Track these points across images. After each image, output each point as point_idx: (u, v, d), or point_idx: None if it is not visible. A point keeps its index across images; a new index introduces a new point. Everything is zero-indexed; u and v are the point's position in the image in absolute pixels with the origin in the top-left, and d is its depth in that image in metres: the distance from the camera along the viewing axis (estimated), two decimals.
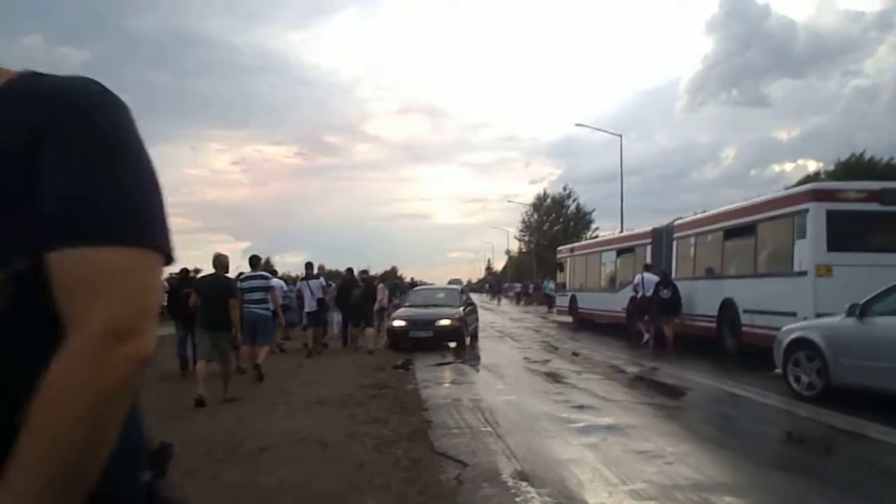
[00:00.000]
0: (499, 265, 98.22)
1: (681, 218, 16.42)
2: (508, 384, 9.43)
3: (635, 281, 15.63)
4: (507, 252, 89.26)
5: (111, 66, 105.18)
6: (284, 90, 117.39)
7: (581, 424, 6.60)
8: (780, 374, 8.48)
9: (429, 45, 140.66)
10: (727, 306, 12.51)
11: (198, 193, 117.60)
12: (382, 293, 16.24)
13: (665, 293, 14.30)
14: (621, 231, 35.13)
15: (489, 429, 6.43)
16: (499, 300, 54.25)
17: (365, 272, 17.20)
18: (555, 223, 73.13)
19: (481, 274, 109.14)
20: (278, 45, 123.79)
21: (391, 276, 49.18)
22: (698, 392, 8.98)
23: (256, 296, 9.93)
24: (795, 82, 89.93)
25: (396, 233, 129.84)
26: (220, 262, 8.40)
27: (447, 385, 9.58)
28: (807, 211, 10.24)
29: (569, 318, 23.29)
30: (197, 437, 6.05)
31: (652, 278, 15.01)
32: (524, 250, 76.67)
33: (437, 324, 14.13)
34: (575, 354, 13.38)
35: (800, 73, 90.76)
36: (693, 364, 11.61)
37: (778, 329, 9.06)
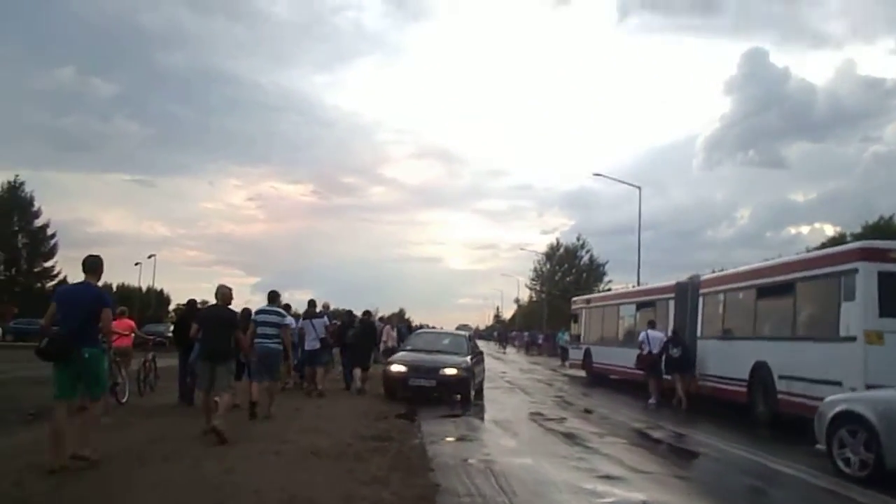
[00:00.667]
0: (507, 313, 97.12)
1: (707, 273, 15.64)
2: (523, 444, 8.57)
3: (640, 338, 15.17)
4: (517, 300, 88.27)
5: (138, 98, 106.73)
6: (305, 130, 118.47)
7: (610, 500, 5.75)
8: (823, 450, 7.55)
9: (448, 91, 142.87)
10: (760, 370, 11.62)
11: (213, 227, 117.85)
12: (388, 334, 15.63)
13: (675, 352, 13.89)
14: (638, 284, 34.44)
15: (504, 499, 5.60)
16: (505, 348, 53.35)
17: (367, 313, 16.71)
18: (567, 273, 72.33)
19: (489, 321, 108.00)
20: (303, 87, 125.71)
21: (397, 319, 48.38)
22: (735, 465, 8.07)
23: (270, 331, 9.77)
24: (813, 146, 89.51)
25: (407, 275, 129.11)
26: (223, 293, 8.24)
27: (455, 441, 8.73)
28: (856, 271, 9.43)
29: (582, 373, 22.40)
30: (176, 487, 5.28)
31: (656, 335, 14.73)
32: (535, 299, 75.70)
33: (441, 372, 12.56)
34: (588, 412, 12.56)
35: (818, 137, 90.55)
36: (723, 431, 10.70)
37: (820, 399, 8.20)
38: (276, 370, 10.09)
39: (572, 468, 7.05)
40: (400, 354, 13.87)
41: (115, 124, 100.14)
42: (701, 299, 14.75)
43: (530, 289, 75.92)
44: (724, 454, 8.68)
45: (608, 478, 6.62)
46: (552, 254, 73.00)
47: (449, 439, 8.81)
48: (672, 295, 16.39)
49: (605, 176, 39.64)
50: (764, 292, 12.14)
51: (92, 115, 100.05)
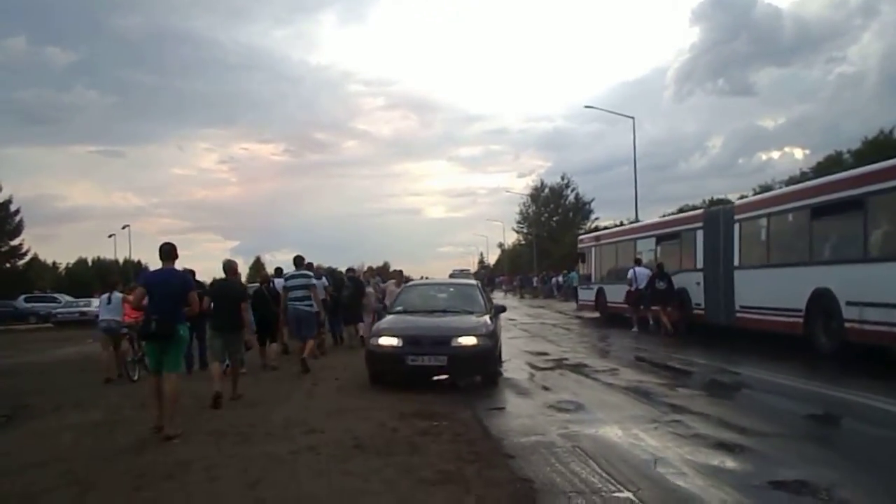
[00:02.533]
0: (491, 258, 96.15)
1: (745, 196, 14.31)
2: (593, 407, 7.23)
3: (628, 275, 16.52)
4: (500, 245, 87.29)
5: (97, 66, 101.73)
6: (271, 87, 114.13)
7: (760, 482, 4.48)
8: None
9: (416, 40, 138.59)
10: (821, 298, 10.44)
11: (185, 193, 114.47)
12: (391, 293, 14.10)
13: (661, 285, 15.24)
14: (636, 219, 33.27)
15: (625, 493, 4.30)
16: (492, 293, 52.20)
17: (351, 271, 15.65)
18: (553, 213, 71.15)
19: (474, 267, 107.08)
20: (264, 43, 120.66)
21: (387, 273, 47.02)
22: (849, 411, 6.93)
23: (300, 293, 10.74)
24: (781, 70, 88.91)
25: (386, 229, 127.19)
26: (230, 266, 8.61)
27: (513, 409, 7.44)
28: None
29: (591, 314, 21.41)
30: None
31: (643, 272, 16.11)
32: (522, 242, 74.56)
33: (453, 343, 8.34)
34: (640, 360, 11.43)
35: (785, 62, 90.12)
36: (785, 367, 9.75)
37: None
38: (311, 329, 10.88)
39: (673, 435, 5.77)
40: (388, 320, 9.42)
41: (75, 94, 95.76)
42: (737, 226, 13.47)
43: (517, 231, 74.73)
44: (820, 397, 7.54)
45: (725, 447, 5.36)
46: (537, 195, 71.60)
47: (503, 407, 7.52)
48: (700, 224, 15.13)
49: (596, 108, 38.17)
50: (822, 211, 10.81)
51: (49, 86, 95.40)
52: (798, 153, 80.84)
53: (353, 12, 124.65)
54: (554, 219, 70.75)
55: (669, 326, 14.83)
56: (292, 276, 11.13)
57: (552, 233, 67.01)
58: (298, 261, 11.59)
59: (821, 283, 10.47)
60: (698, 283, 14.90)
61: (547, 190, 71.63)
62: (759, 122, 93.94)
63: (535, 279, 49.43)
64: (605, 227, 53.73)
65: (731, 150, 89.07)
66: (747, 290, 12.96)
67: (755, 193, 41.63)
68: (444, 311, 9.59)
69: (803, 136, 79.17)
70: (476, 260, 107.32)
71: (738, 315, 13.24)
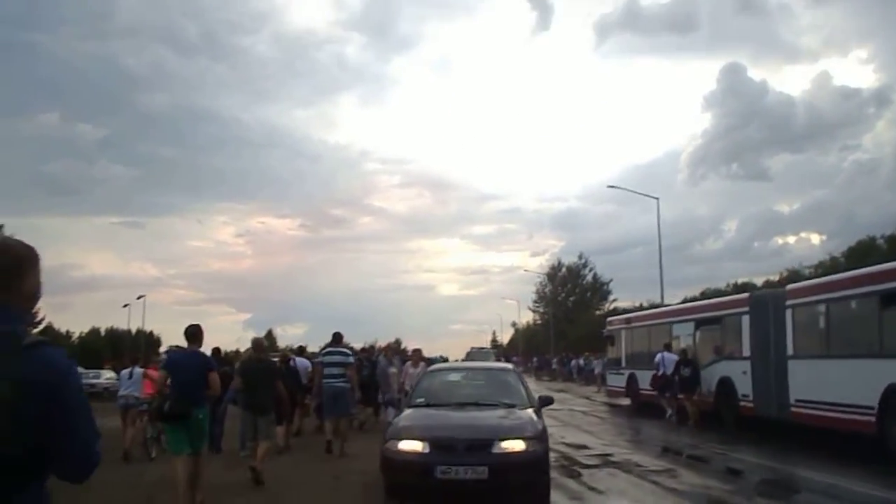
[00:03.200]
0: (504, 337, 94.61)
1: (795, 281, 13.45)
2: None
3: (656, 360, 16.26)
4: (514, 324, 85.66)
5: (123, 140, 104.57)
6: (291, 164, 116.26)
7: None
8: None
9: (433, 120, 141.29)
10: None
11: (202, 265, 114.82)
12: (409, 375, 12.80)
13: (685, 371, 14.85)
14: (662, 302, 32.30)
15: None
16: None
17: (365, 351, 15.50)
18: (570, 293, 70.24)
19: (486, 346, 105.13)
20: (286, 122, 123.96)
21: (407, 353, 45.54)
22: None
23: (336, 371, 10.47)
24: (795, 156, 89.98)
25: (399, 305, 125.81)
26: (259, 344, 9.21)
27: None
28: None
29: (619, 400, 20.38)
30: None
31: (671, 357, 15.69)
32: (538, 321, 73.39)
33: (495, 448, 6.40)
34: (687, 456, 10.31)
35: (799, 148, 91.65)
36: (865, 473, 8.63)
37: None
38: (345, 407, 10.65)
39: None
40: (409, 416, 7.40)
41: (101, 167, 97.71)
42: (789, 312, 12.56)
43: (533, 311, 73.61)
44: None
45: None
46: (554, 274, 70.97)
47: None
48: (745, 309, 14.22)
49: (619, 187, 37.61)
50: (894, 299, 9.95)
51: (78, 160, 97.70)
52: (815, 238, 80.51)
53: (374, 95, 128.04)
54: (570, 299, 69.83)
55: (695, 416, 14.58)
56: (330, 353, 10.97)
57: (568, 313, 65.96)
58: (337, 338, 11.58)
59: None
60: (745, 373, 13.85)
61: (564, 269, 71.03)
62: (774, 206, 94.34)
63: (553, 361, 47.98)
64: (630, 310, 52.84)
65: (747, 234, 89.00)
66: (804, 383, 11.90)
67: (784, 278, 40.77)
68: (478, 405, 7.54)
69: (819, 221, 79.42)
70: (489, 339, 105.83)
71: (794, 409, 12.15)
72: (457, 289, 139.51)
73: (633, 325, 20.47)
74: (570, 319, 63.20)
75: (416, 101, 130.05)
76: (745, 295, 14.74)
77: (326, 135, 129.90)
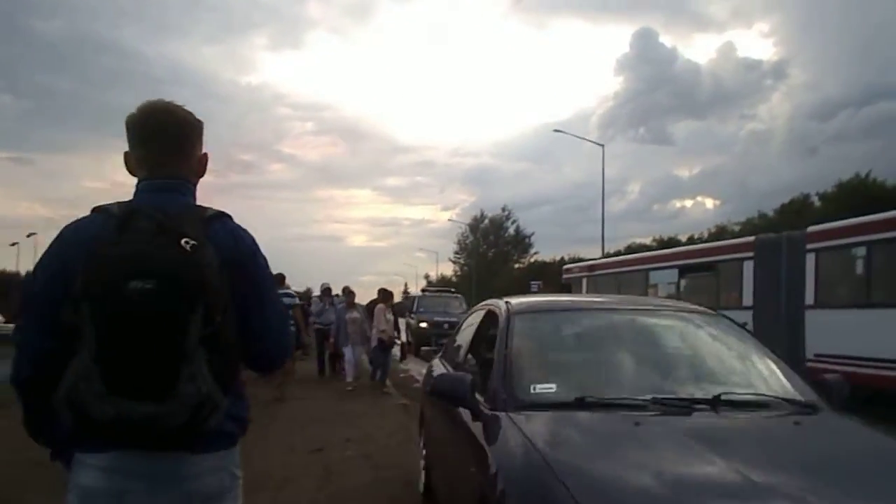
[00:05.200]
0: (416, 290, 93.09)
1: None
2: None
3: None
4: (426, 277, 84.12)
5: (16, 70, 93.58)
6: (198, 105, 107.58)
7: None
8: None
9: (350, 68, 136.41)
10: None
11: None
12: (382, 317, 10.60)
13: None
14: (603, 254, 31.18)
15: None
16: None
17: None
18: (493, 246, 69.16)
19: (398, 298, 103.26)
20: (193, 60, 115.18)
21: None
22: None
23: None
24: (697, 123, 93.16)
25: (309, 254, 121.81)
26: None
27: None
28: None
29: None
30: None
31: None
32: (458, 273, 71.99)
33: None
34: None
35: (702, 115, 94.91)
36: None
37: None
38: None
39: None
40: (562, 450, 2.51)
41: None
42: (814, 256, 11.10)
43: (454, 262, 72.22)
44: None
45: None
46: (476, 225, 69.56)
47: None
48: (749, 254, 12.74)
49: (565, 132, 35.91)
50: None
51: None
52: (710, 203, 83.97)
53: (289, 36, 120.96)
54: (492, 251, 68.82)
55: None
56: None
57: (489, 265, 64.95)
58: (279, 279, 10.02)
59: None
60: (746, 325, 12.41)
61: (487, 220, 69.75)
62: (675, 170, 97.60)
63: None
64: (553, 263, 52.21)
65: (648, 196, 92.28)
66: (829, 335, 10.52)
67: (712, 234, 40.90)
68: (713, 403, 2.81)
69: (715, 186, 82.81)
70: (400, 290, 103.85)
71: (811, 364, 10.77)
72: (367, 240, 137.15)
73: (598, 272, 18.87)
74: (492, 271, 62.20)
75: (333, 46, 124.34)
76: (749, 238, 13.24)
77: (237, 75, 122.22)
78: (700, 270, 14.29)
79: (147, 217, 1.48)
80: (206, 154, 1.74)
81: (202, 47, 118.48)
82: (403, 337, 14.84)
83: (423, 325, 18.49)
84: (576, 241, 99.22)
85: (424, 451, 4.74)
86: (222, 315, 1.45)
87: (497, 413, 2.66)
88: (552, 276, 40.43)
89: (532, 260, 65.35)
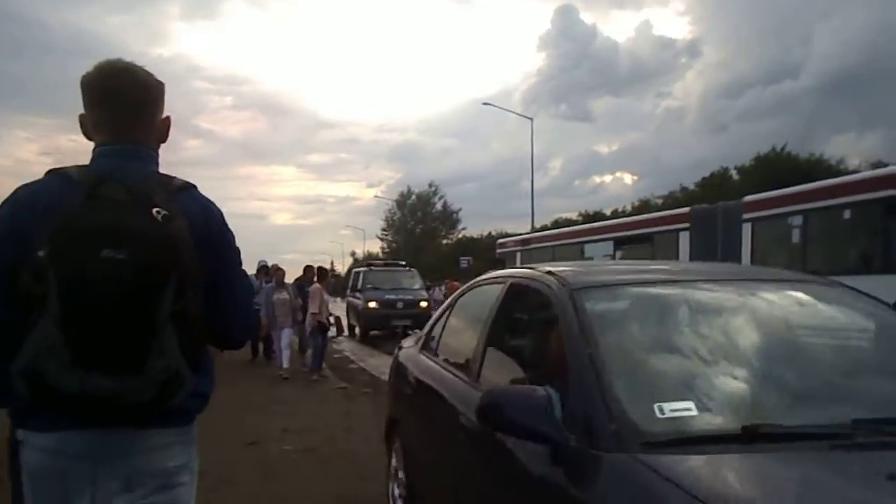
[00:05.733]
0: (342, 267, 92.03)
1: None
2: None
3: None
4: (353, 254, 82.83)
5: None
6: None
7: None
8: None
9: (271, 41, 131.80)
10: None
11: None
12: (319, 298, 9.82)
13: None
14: (532, 229, 31.28)
15: None
16: None
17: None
18: (420, 222, 68.57)
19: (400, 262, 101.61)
20: (99, 29, 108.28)
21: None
22: None
23: None
24: (616, 100, 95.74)
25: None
26: None
27: None
28: None
29: None
30: None
31: None
32: (386, 249, 71.16)
33: None
34: None
35: (620, 92, 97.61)
36: None
37: None
38: None
39: None
40: None
41: None
42: (750, 226, 11.19)
43: (381, 238, 71.29)
44: None
45: None
46: (403, 201, 68.76)
47: None
48: (684, 225, 12.79)
49: (495, 105, 35.62)
50: None
51: None
52: (628, 178, 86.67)
53: (204, 6, 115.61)
54: (420, 227, 68.29)
55: None
56: None
57: (417, 241, 64.45)
58: None
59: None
60: None
61: (414, 196, 69.02)
62: (594, 146, 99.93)
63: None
64: (481, 239, 52.27)
65: (570, 172, 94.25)
66: None
67: (638, 205, 41.81)
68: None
69: (632, 162, 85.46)
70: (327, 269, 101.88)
71: None
72: (291, 218, 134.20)
73: (532, 246, 18.75)
74: (420, 247, 61.74)
75: (251, 17, 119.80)
76: (685, 209, 13.31)
77: (148, 47, 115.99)
78: (635, 242, 14.30)
79: (117, 185, 1.42)
80: (168, 118, 1.66)
81: (109, 16, 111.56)
82: (345, 321, 14.19)
83: (373, 304, 15.87)
84: (501, 218, 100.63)
85: (402, 476, 3.46)
86: (193, 289, 1.40)
87: (603, 454, 1.64)
88: (481, 251, 40.45)
89: (460, 236, 65.27)
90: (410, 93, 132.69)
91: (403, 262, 19.79)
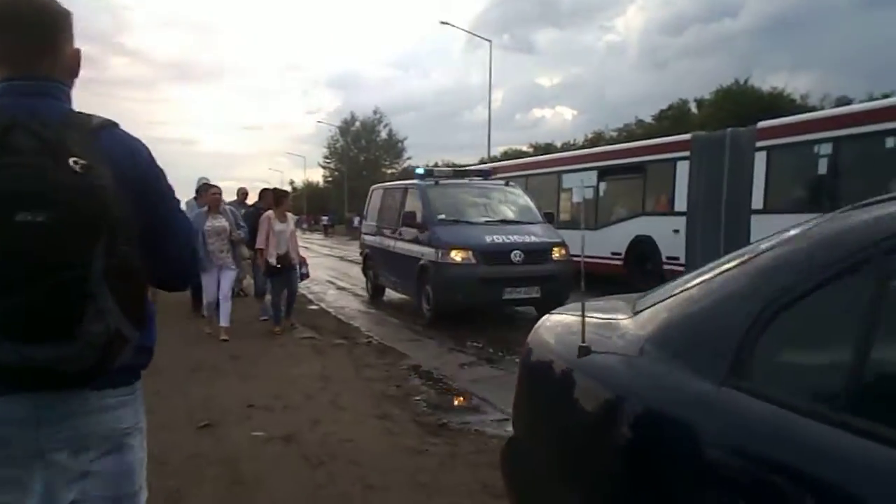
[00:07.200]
0: None
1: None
2: None
3: None
4: (291, 182, 79.30)
5: None
6: None
7: None
8: None
9: None
10: None
11: None
12: (263, 229, 7.86)
13: None
14: (488, 158, 29.75)
15: None
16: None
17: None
18: (364, 150, 65.86)
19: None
20: None
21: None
22: None
23: None
24: (560, 33, 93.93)
25: (158, 158, 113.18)
26: None
27: None
28: None
29: None
30: None
31: None
32: (329, 178, 68.38)
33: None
34: None
35: (564, 25, 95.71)
36: None
37: None
38: None
39: None
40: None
41: None
42: (765, 155, 9.98)
43: (324, 166, 68.41)
44: None
45: None
46: (346, 128, 65.74)
47: None
48: (683, 154, 11.50)
49: (453, 25, 33.30)
50: None
51: None
52: (568, 113, 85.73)
53: None
54: (363, 156, 65.71)
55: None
56: None
57: (360, 170, 62.05)
58: None
59: None
60: (677, 231, 11.37)
61: (358, 123, 66.07)
62: (536, 79, 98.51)
63: (355, 219, 44.44)
64: (455, 165, 50.43)
65: (511, 105, 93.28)
66: None
67: (588, 140, 40.70)
68: None
69: (573, 96, 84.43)
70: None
71: None
72: (224, 143, 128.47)
73: (500, 176, 17.22)
74: (364, 177, 59.46)
75: None
76: (685, 136, 11.98)
77: None
78: (624, 172, 12.96)
79: (27, 132, 1.20)
80: (77, 49, 1.42)
81: None
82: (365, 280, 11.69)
83: (462, 255, 8.17)
84: (444, 149, 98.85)
85: None
86: (127, 243, 1.24)
87: None
88: None
89: (406, 165, 63.16)
90: (352, 19, 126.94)
91: (487, 168, 14.23)
